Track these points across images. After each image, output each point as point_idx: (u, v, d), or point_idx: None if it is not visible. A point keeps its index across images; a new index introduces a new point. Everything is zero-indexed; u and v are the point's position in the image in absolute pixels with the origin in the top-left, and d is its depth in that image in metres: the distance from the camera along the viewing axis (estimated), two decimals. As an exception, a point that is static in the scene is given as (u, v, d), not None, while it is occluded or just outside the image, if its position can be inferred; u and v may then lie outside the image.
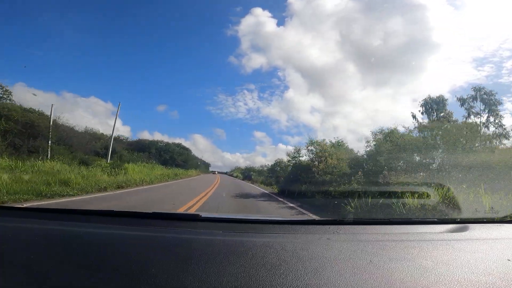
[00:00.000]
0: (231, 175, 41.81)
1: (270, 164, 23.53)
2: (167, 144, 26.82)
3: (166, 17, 43.02)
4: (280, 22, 48.50)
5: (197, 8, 42.15)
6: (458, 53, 26.42)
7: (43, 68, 33.51)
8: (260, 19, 45.25)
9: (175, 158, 25.20)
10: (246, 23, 46.72)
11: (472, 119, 13.85)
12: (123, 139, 22.45)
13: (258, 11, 44.13)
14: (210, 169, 49.46)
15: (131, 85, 43.18)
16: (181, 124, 47.75)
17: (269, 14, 44.94)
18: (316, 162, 8.78)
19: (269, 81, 49.49)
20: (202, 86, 50.36)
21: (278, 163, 20.85)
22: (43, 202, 4.74)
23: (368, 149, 7.62)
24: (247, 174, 32.87)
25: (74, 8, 35.20)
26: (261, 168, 32.01)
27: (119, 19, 38.81)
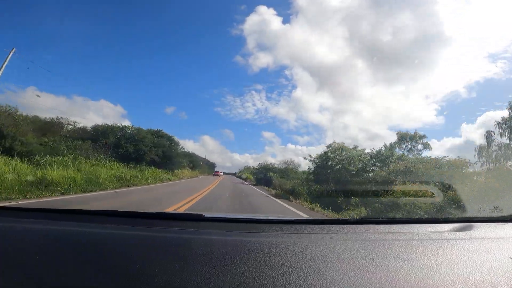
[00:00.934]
0: (239, 177, 51.61)
1: (312, 156, 19.13)
2: (138, 130, 26.02)
3: (170, 18, 58.45)
4: (286, 20, 65.12)
5: (201, 7, 59.51)
6: (472, 48, 34.10)
7: (54, 72, 52.76)
8: (265, 17, 60.38)
9: (144, 151, 23.84)
10: (251, 22, 62.15)
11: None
12: (68, 123, 22.49)
13: (262, 9, 60.76)
14: (216, 169, 60.67)
15: (140, 88, 60.08)
16: (190, 126, 66.02)
17: (274, 12, 64.00)
18: None
19: (276, 81, 65.53)
20: (209, 87, 69.04)
21: (330, 152, 16.96)
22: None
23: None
24: (263, 175, 32.56)
25: (80, 13, 48.48)
26: (283, 167, 31.16)
27: (126, 24, 56.38)
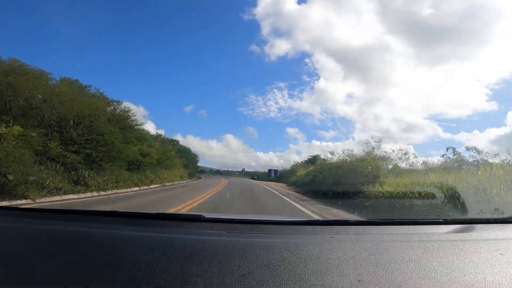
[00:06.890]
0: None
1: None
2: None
3: (181, 7, 60.32)
4: (301, -1, 53.83)
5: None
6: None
7: (77, 75, 46.04)
8: (277, -4, 48.39)
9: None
10: (263, 4, 57.64)
11: None
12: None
13: (273, -13, 48.09)
14: (228, 169, 58.92)
15: (161, 88, 63.91)
16: (214, 126, 64.34)
17: (286, -10, 49.84)
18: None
19: (297, 71, 63.43)
20: (232, 87, 69.70)
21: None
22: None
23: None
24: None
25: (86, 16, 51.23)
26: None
27: (135, 23, 56.37)
